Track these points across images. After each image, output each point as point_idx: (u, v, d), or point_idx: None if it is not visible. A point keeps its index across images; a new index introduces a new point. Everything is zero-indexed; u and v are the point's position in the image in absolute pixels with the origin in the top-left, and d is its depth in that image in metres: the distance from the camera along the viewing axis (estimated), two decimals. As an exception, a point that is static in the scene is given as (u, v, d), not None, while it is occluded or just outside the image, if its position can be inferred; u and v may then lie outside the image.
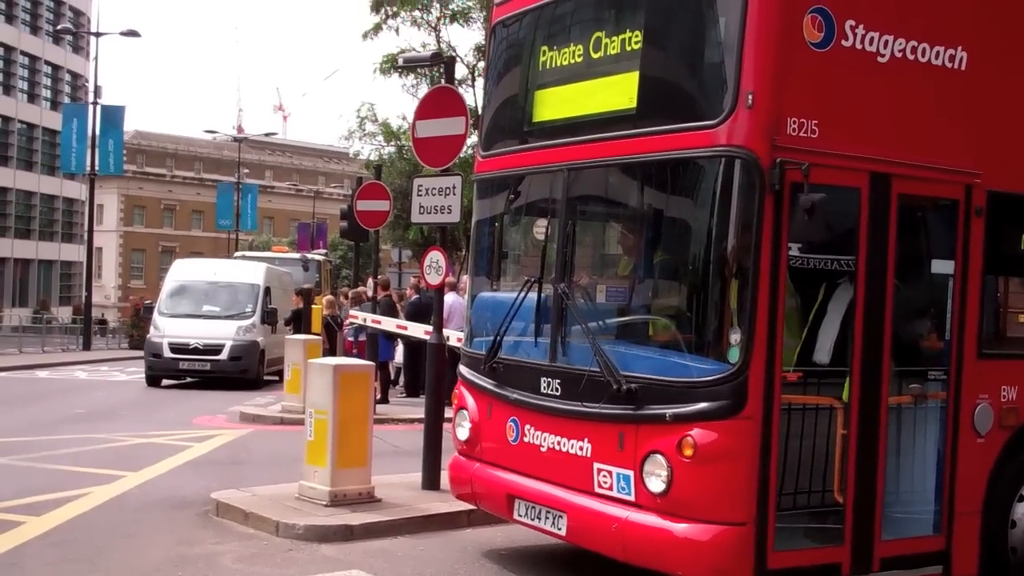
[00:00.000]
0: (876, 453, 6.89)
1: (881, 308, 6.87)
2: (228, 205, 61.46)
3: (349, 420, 9.45)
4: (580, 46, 7.43)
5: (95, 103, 42.72)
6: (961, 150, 7.19)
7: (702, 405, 6.51)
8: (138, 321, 40.82)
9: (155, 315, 25.50)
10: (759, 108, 6.44)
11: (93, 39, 45.10)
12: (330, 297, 22.18)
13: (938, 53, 7.05)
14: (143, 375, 25.13)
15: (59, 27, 58.92)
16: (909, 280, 7.27)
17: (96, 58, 44.39)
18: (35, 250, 68.91)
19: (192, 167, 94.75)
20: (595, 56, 7.31)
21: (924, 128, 7.08)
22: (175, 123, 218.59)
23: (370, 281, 21.55)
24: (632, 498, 6.81)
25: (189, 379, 24.66)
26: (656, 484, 6.64)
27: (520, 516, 7.61)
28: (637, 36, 7.06)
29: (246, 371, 24.17)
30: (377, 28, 35.49)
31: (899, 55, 6.91)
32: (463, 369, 8.27)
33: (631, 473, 6.79)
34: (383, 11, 35.45)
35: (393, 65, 33.87)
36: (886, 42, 6.85)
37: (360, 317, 17.83)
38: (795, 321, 7.55)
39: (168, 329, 24.32)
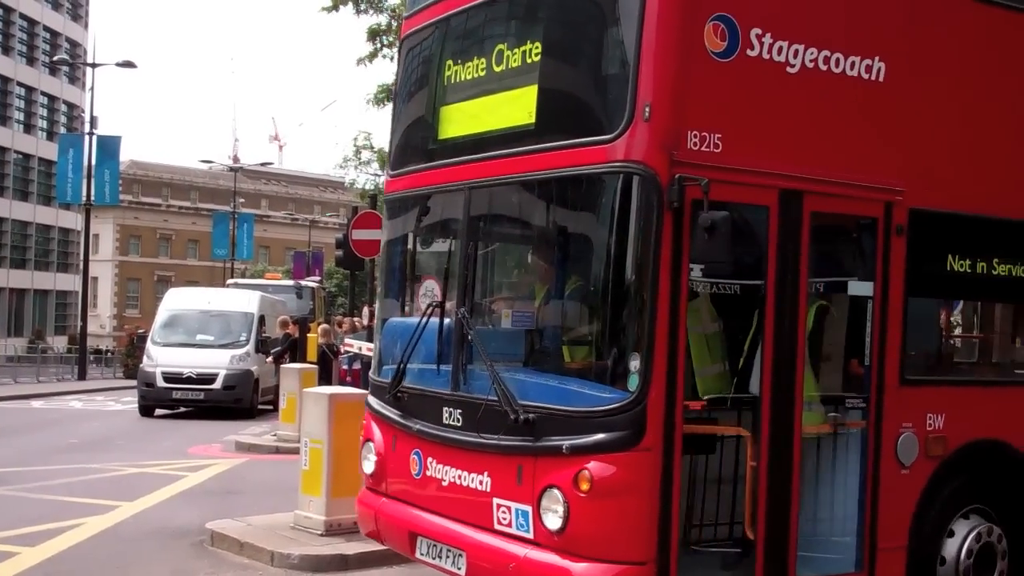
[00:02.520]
0: (789, 486, 6.39)
1: (792, 333, 6.39)
2: (224, 234, 61.05)
3: (344, 449, 9.15)
4: (483, 60, 6.98)
5: (91, 133, 42.28)
6: (881, 166, 6.73)
7: (599, 436, 6.03)
8: (133, 350, 40.31)
9: (148, 344, 25.02)
10: (657, 121, 5.99)
11: (89, 70, 44.68)
12: (325, 326, 21.75)
13: (853, 63, 6.60)
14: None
15: (55, 58, 58.60)
16: (813, 303, 6.80)
17: (92, 89, 43.95)
18: (30, 280, 68.38)
19: (188, 197, 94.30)
20: (497, 70, 6.86)
21: (840, 142, 6.61)
22: (171, 153, 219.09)
23: (365, 310, 21.14)
24: (531, 535, 6.30)
25: (183, 409, 24.17)
26: (553, 521, 6.14)
27: (422, 555, 7.09)
28: (537, 48, 6.61)
29: (240, 400, 23.66)
30: (372, 56, 35.06)
31: (810, 65, 6.45)
32: (370, 398, 7.79)
33: (529, 509, 6.29)
34: (378, 40, 35.06)
35: (388, 95, 33.46)
36: (796, 52, 6.40)
37: (355, 345, 17.44)
38: (718, 347, 7.12)
39: (161, 358, 23.84)
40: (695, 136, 6.06)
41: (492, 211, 7.03)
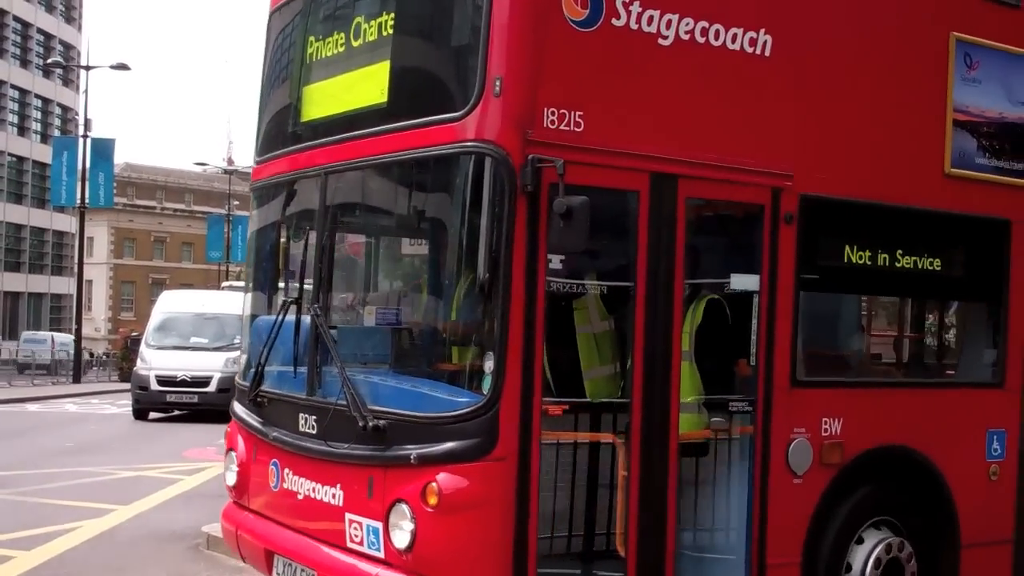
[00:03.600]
0: (664, 497, 5.61)
1: (667, 330, 5.62)
2: (218, 237, 60.04)
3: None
4: (343, 35, 6.17)
5: (85, 136, 41.56)
6: (768, 148, 5.94)
7: (449, 445, 5.25)
8: (127, 353, 39.41)
9: (142, 347, 24.17)
10: (508, 96, 5.21)
11: (83, 72, 43.72)
12: None
13: (735, 36, 5.80)
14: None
15: (49, 61, 57.66)
16: (703, 297, 6.04)
17: (86, 91, 43.36)
18: (25, 283, 67.34)
19: (182, 199, 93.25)
20: (355, 45, 6.06)
21: (721, 123, 5.83)
22: (165, 156, 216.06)
23: None
24: (381, 554, 5.52)
25: (177, 412, 23.37)
26: (401, 538, 5.36)
27: (279, 575, 6.30)
28: (391, 19, 5.82)
29: None
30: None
31: (686, 37, 5.66)
32: (234, 404, 6.99)
33: (380, 525, 5.50)
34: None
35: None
36: (669, 22, 5.60)
37: None
38: (608, 347, 6.36)
39: (155, 361, 22.99)
40: (552, 113, 5.28)
41: (348, 198, 6.22)
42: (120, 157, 64.91)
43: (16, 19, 64.72)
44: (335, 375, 5.84)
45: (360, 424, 5.49)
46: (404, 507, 5.34)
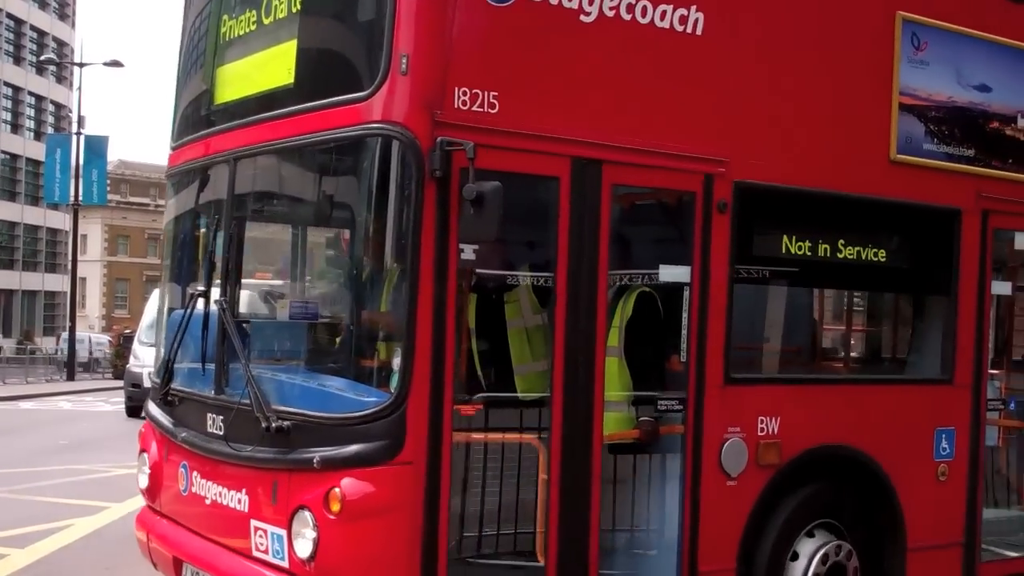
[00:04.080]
0: (587, 501, 5.18)
1: (590, 324, 5.19)
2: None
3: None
4: (255, 12, 5.71)
5: (78, 133, 40.80)
6: (700, 133, 5.51)
7: (354, 448, 4.81)
8: (121, 351, 38.81)
9: (135, 344, 23.31)
10: (415, 75, 4.78)
11: (76, 69, 43.27)
12: None
13: (664, 13, 5.36)
14: None
15: (42, 58, 56.86)
16: (635, 290, 5.61)
17: (79, 88, 42.43)
18: (18, 281, 66.46)
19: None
20: (267, 22, 5.59)
21: (649, 105, 5.38)
22: (159, 153, 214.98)
23: None
24: (286, 564, 5.08)
25: None
26: (303, 547, 4.92)
27: (186, 583, 5.87)
28: (300, -5, 5.40)
29: None
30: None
31: (611, 14, 5.22)
32: (148, 403, 6.54)
33: (284, 533, 5.06)
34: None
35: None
36: (591, -3, 5.20)
37: None
38: (541, 342, 5.94)
39: (148, 359, 22.26)
40: (464, 94, 4.85)
41: (256, 185, 5.76)
42: (114, 154, 64.29)
43: (9, 16, 63.80)
44: (242, 372, 5.41)
45: (263, 425, 5.05)
46: (307, 514, 4.90)
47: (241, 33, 5.82)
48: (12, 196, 65.41)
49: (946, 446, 6.32)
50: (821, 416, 5.87)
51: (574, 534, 5.15)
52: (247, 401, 5.17)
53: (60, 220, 67.92)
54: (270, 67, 5.51)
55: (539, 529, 5.15)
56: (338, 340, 5.49)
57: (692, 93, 5.50)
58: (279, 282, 6.40)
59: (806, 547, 5.86)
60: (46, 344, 52.33)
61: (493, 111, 4.91)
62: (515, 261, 6.04)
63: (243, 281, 5.76)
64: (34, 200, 65.35)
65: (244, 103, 5.72)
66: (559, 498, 5.11)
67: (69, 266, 45.88)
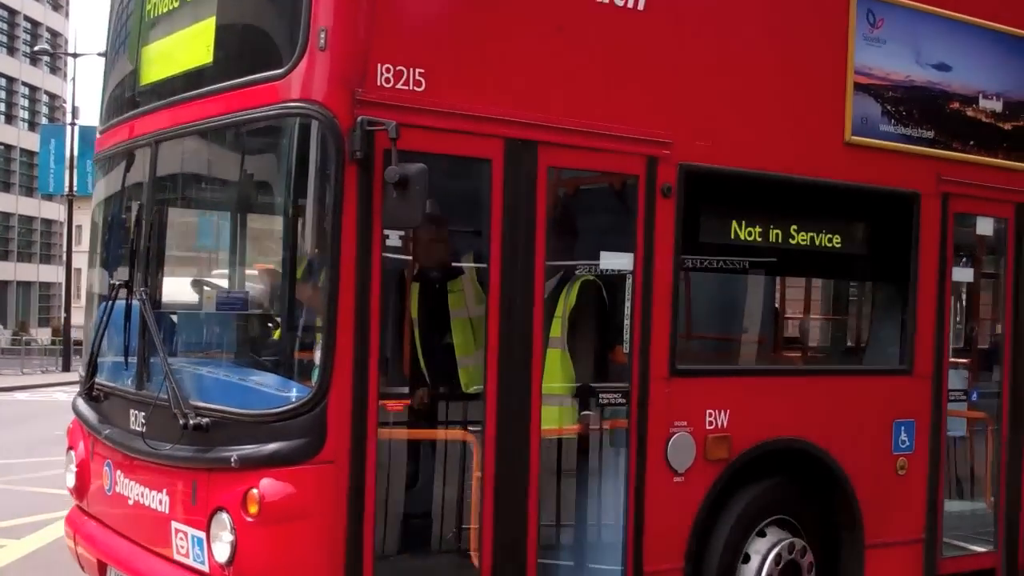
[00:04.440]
0: (524, 500, 4.87)
1: (527, 314, 4.87)
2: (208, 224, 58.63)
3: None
4: (178, -12, 5.41)
5: (73, 124, 40.11)
6: (642, 113, 5.18)
7: (274, 446, 4.50)
8: None
9: None
10: (334, 50, 4.45)
11: (71, 60, 42.49)
12: None
13: (604, -13, 5.06)
14: None
15: (36, 48, 55.85)
16: (571, 278, 5.30)
17: (74, 79, 42.27)
18: (13, 272, 65.74)
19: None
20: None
21: (588, 83, 5.05)
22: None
23: None
24: (206, 568, 4.75)
25: None
26: (221, 551, 4.60)
27: (111, 588, 5.54)
28: (219, -32, 5.06)
29: None
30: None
31: (547, -13, 4.93)
32: (75, 398, 6.20)
33: (203, 535, 4.75)
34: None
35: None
36: (526, -31, 4.87)
37: None
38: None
39: None
40: (387, 71, 4.52)
41: (176, 169, 5.40)
42: (106, 145, 63.04)
43: (2, 6, 63.04)
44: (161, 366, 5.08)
45: (181, 422, 4.72)
46: (224, 516, 4.58)
47: (164, 11, 5.47)
48: (7, 187, 64.56)
49: (905, 439, 6.03)
50: (773, 409, 5.57)
51: (510, 534, 4.84)
52: (165, 397, 4.85)
53: (55, 211, 66.95)
54: (191, 45, 5.16)
55: (472, 530, 4.84)
56: (262, 332, 5.17)
57: (634, 71, 5.17)
58: (206, 271, 6.05)
59: (759, 545, 5.57)
60: (41, 335, 51.73)
61: (419, 89, 4.58)
62: (460, 248, 5.72)
63: (167, 270, 5.44)
64: (29, 191, 64.55)
65: (166, 84, 5.37)
66: (494, 496, 4.80)
67: (64, 257, 45.38)
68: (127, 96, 5.83)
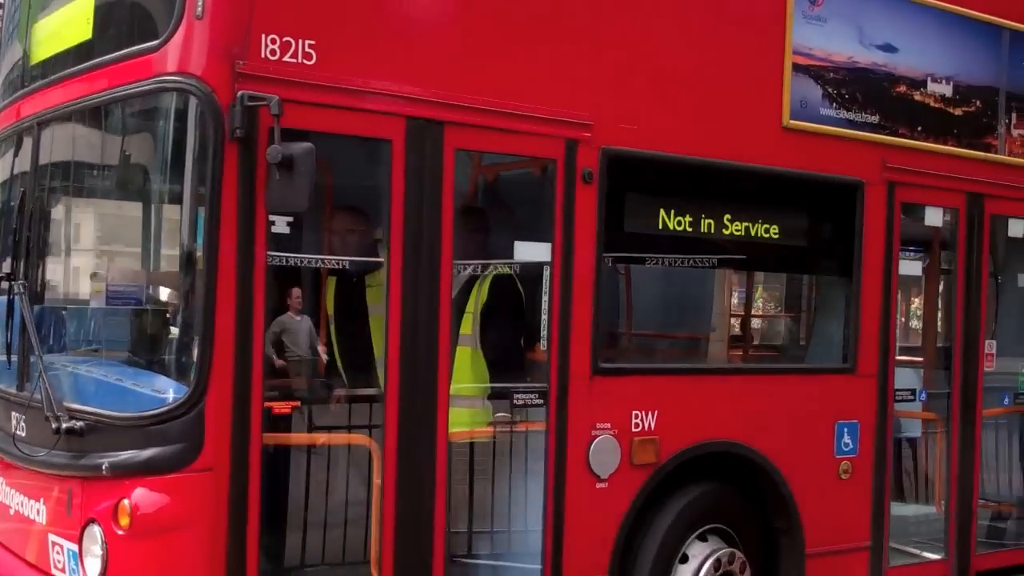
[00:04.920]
0: (430, 509, 4.43)
1: (432, 309, 4.42)
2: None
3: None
4: (64, -41, 4.96)
5: None
6: (561, 92, 4.73)
7: (148, 452, 4.06)
8: None
9: None
10: (213, 19, 4.00)
11: None
12: None
13: (512, -46, 4.62)
14: None
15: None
16: (484, 271, 4.87)
17: None
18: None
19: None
20: (74, -29, 4.85)
21: (500, 59, 4.60)
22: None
23: None
24: (80, 583, 4.34)
25: None
26: (92, 567, 4.18)
27: (-8, 602, 5.08)
28: (100, -65, 4.60)
29: None
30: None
31: (453, -47, 4.49)
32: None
33: (77, 549, 4.32)
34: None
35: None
36: (426, -64, 4.42)
37: None
38: None
39: None
40: (273, 42, 4.07)
41: (59, 152, 4.91)
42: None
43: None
44: (50, 366, 4.62)
45: (53, 426, 4.28)
46: (96, 529, 4.15)
47: (52, -15, 5.04)
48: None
49: (848, 441, 5.62)
50: (706, 410, 5.14)
51: (413, 546, 4.40)
52: (39, 398, 4.40)
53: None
54: (73, 21, 4.71)
55: (373, 542, 4.40)
56: (145, 328, 4.71)
57: (551, 47, 4.72)
58: (93, 262, 5.60)
59: (692, 556, 5.15)
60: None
61: (309, 62, 4.14)
62: (370, 239, 5.28)
63: (50, 261, 4.99)
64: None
65: (52, 62, 4.90)
66: (395, 506, 4.36)
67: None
68: (17, 77, 5.36)
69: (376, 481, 4.38)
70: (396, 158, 4.32)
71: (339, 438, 4.80)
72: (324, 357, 5.47)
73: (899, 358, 6.79)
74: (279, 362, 5.48)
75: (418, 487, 4.40)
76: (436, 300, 4.43)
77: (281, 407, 4.25)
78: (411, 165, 4.34)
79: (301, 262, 4.59)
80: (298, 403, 4.43)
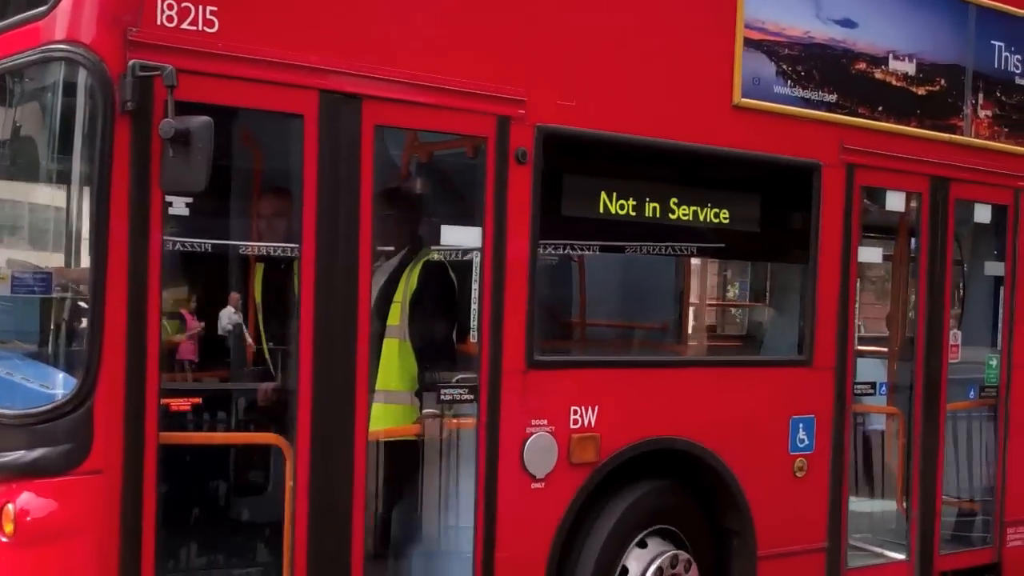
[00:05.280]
0: (347, 513, 4.08)
1: (350, 298, 4.07)
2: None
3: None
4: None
5: None
6: (491, 65, 4.36)
7: (35, 453, 3.70)
8: None
9: None
10: (102, -16, 3.66)
11: None
12: None
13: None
14: None
15: None
16: (422, 258, 4.53)
17: None
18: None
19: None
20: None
21: (424, 28, 4.24)
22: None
23: None
24: (-31, 593, 3.99)
25: None
26: (-24, 576, 3.84)
27: None
28: None
29: None
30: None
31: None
32: None
33: None
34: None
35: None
36: None
37: None
38: None
39: None
40: (170, 7, 3.70)
41: None
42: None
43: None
44: None
45: None
46: None
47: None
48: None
49: (804, 437, 5.29)
50: (651, 404, 4.80)
51: (329, 551, 4.06)
52: None
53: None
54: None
55: (285, 544, 4.06)
56: (37, 317, 4.35)
57: (481, 16, 4.37)
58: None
59: (637, 560, 4.84)
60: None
61: (211, 30, 3.77)
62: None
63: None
64: None
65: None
66: (308, 509, 4.02)
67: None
68: None
69: (288, 484, 4.04)
70: (308, 135, 3.96)
71: (247, 437, 4.44)
72: (252, 348, 5.15)
73: (864, 349, 6.54)
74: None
75: (334, 489, 4.05)
76: (354, 289, 4.08)
77: (180, 404, 3.90)
78: (325, 143, 3.98)
79: (202, 247, 4.24)
80: (199, 399, 4.07)
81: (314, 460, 4.01)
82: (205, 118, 3.56)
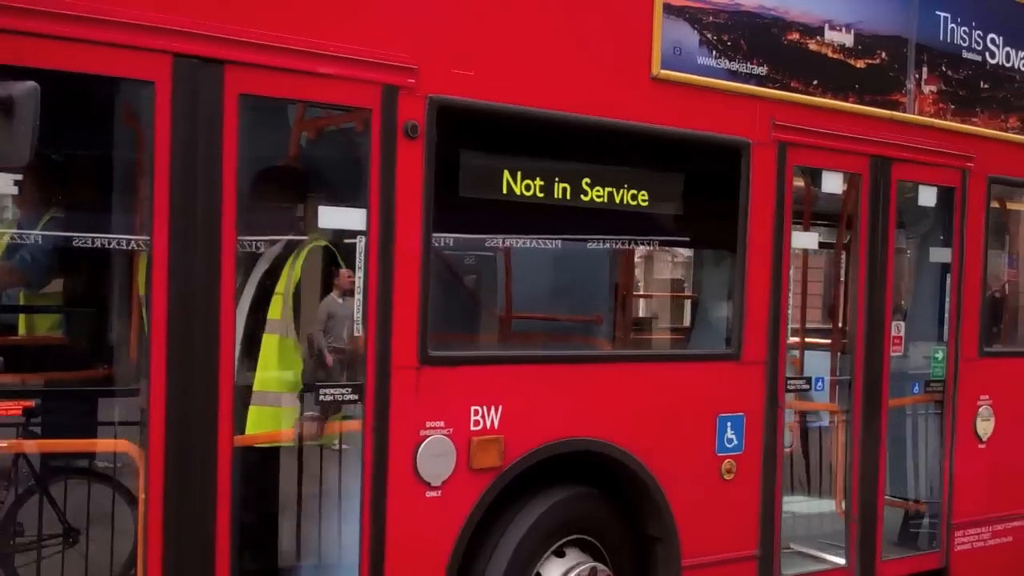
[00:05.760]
0: (210, 529, 3.62)
1: (212, 288, 3.59)
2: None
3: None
4: None
5: None
6: (376, 29, 3.90)
7: None
8: None
9: None
10: (-93, -73, 3.17)
11: None
12: None
13: None
14: None
15: None
16: (307, 244, 4.06)
17: None
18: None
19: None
20: None
21: (300, -10, 3.82)
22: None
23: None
24: None
25: None
26: None
27: None
28: None
29: None
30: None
31: None
32: None
33: None
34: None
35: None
36: None
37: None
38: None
39: None
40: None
41: None
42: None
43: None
44: None
45: None
46: None
47: None
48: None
49: (732, 437, 4.87)
50: (562, 404, 4.35)
51: (187, 570, 3.60)
52: None
53: None
54: None
55: (139, 562, 3.59)
56: None
57: (365, -24, 3.92)
58: None
59: (552, 572, 4.40)
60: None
61: (46, -13, 3.31)
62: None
63: None
64: None
65: None
66: (163, 525, 3.55)
67: None
68: None
69: (140, 496, 3.57)
70: (160, 104, 3.48)
71: (96, 444, 3.96)
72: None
73: (813, 342, 6.14)
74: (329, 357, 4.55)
75: (194, 503, 3.58)
76: (216, 281, 3.60)
77: (9, 407, 3.42)
78: (180, 114, 3.51)
79: (25, 238, 3.75)
80: (31, 403, 3.59)
81: (168, 470, 3.54)
82: (30, 83, 3.08)
